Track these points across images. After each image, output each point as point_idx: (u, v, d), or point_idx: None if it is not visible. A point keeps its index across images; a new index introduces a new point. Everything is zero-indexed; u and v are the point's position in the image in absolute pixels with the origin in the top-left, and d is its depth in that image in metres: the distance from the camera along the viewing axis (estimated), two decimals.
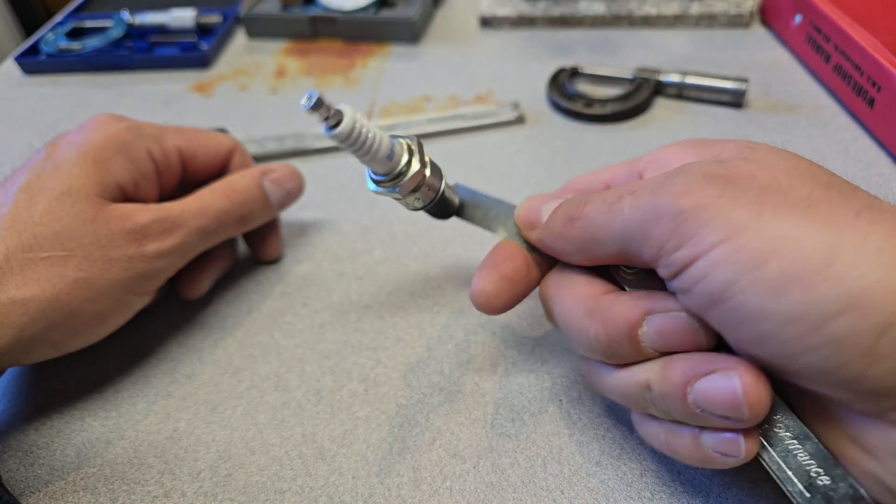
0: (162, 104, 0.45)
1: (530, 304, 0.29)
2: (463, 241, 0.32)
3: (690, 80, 0.40)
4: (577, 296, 0.21)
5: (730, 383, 0.17)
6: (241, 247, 0.33)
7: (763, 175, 0.17)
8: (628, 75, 0.42)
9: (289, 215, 0.34)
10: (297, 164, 0.37)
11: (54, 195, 0.24)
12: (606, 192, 0.20)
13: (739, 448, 0.18)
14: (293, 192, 0.31)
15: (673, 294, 0.19)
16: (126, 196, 0.26)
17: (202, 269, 0.29)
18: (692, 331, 0.18)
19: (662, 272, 0.18)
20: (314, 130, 0.40)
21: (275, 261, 0.32)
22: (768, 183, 0.17)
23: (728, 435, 0.18)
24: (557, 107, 0.41)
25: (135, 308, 0.26)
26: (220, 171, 0.31)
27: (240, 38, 0.53)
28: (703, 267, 0.17)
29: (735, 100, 0.40)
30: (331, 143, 0.39)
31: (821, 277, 0.15)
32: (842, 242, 0.15)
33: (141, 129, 0.28)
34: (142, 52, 0.50)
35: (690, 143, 0.21)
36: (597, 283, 0.21)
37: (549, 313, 0.22)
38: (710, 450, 0.18)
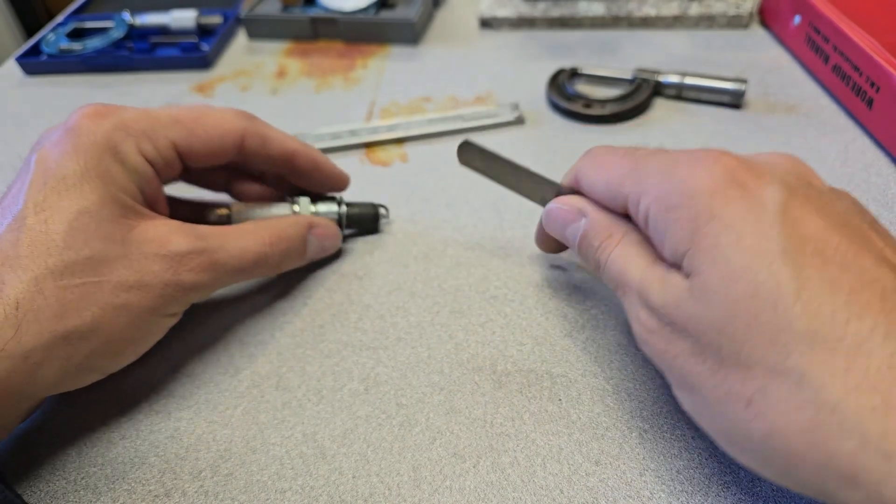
0: (163, 105, 0.46)
1: (529, 303, 0.29)
2: (463, 241, 0.32)
3: (689, 80, 0.40)
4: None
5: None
6: None
7: None
8: (628, 76, 0.42)
9: None
10: None
11: (72, 215, 0.22)
12: (611, 240, 0.23)
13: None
14: (327, 250, 0.31)
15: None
16: (137, 204, 0.25)
17: None
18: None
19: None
20: (315, 131, 0.41)
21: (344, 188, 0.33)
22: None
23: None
24: (557, 107, 0.41)
25: (166, 328, 0.25)
26: (231, 156, 0.28)
27: (241, 39, 0.53)
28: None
29: (734, 100, 0.40)
30: (331, 143, 0.40)
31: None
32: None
33: (129, 127, 0.25)
34: (143, 52, 0.50)
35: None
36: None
37: None
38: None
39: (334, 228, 0.31)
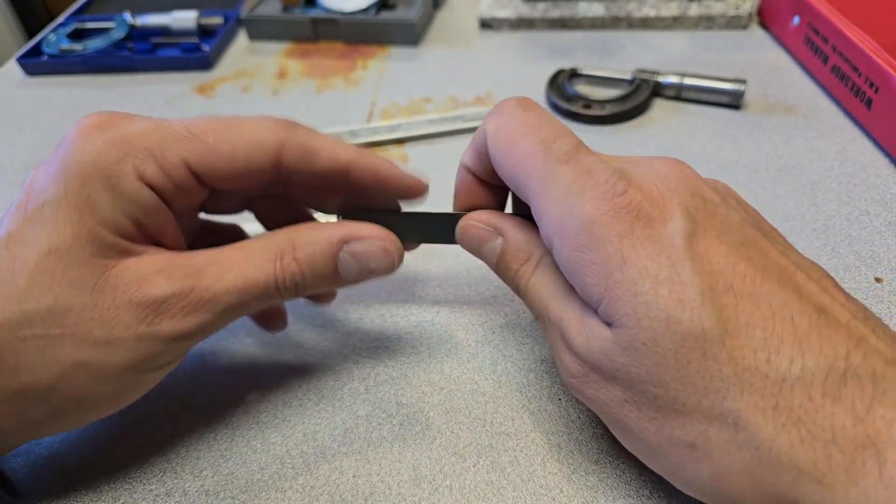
0: (164, 105, 0.46)
1: None
2: None
3: (689, 81, 0.40)
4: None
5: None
6: None
7: None
8: (627, 77, 0.42)
9: None
10: None
11: (39, 255, 0.19)
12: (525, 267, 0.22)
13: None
14: (376, 272, 0.23)
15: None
16: (121, 240, 0.20)
17: None
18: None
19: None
20: None
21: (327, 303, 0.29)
22: None
23: None
24: (556, 108, 0.41)
25: (154, 381, 0.22)
26: (268, 175, 0.22)
27: (241, 40, 0.54)
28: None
29: (733, 101, 0.40)
30: None
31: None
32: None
33: (130, 144, 0.20)
34: (144, 53, 0.50)
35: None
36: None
37: None
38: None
39: (382, 245, 0.23)
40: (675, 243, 0.17)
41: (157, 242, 0.22)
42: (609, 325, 0.18)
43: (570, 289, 0.20)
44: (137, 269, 0.20)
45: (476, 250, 0.24)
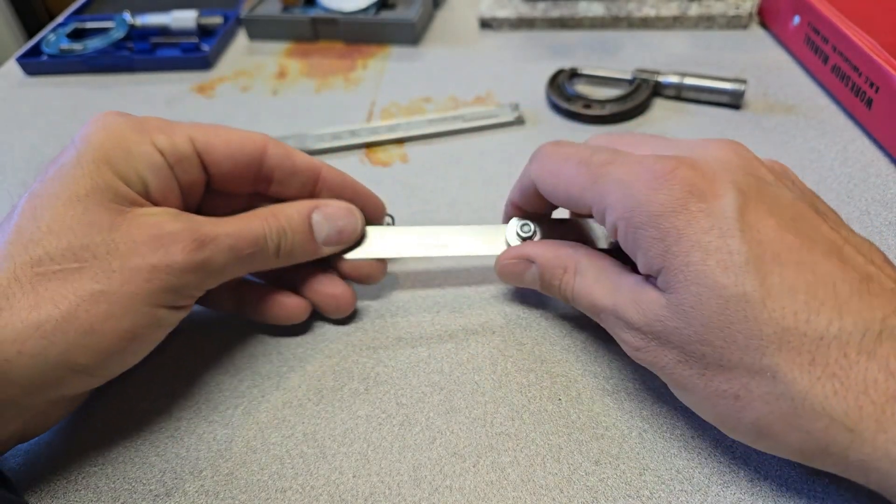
0: (164, 105, 0.46)
1: (529, 303, 0.29)
2: None
3: (689, 81, 0.40)
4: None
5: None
6: None
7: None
8: (627, 76, 0.42)
9: None
10: None
11: (60, 202, 0.22)
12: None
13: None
14: (345, 232, 0.27)
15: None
16: (136, 195, 0.23)
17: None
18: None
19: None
20: (315, 131, 0.41)
21: (341, 313, 0.29)
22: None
23: None
24: (557, 108, 0.41)
25: (169, 323, 0.23)
26: (253, 171, 0.26)
27: (241, 40, 0.53)
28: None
29: (733, 101, 0.40)
30: (331, 143, 0.40)
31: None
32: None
33: (145, 123, 0.25)
34: (143, 53, 0.50)
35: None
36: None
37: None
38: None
39: (345, 207, 0.27)
40: (727, 215, 0.19)
41: (162, 205, 0.25)
42: (664, 291, 0.20)
43: (614, 278, 0.23)
44: (151, 214, 0.23)
45: (520, 282, 0.27)
